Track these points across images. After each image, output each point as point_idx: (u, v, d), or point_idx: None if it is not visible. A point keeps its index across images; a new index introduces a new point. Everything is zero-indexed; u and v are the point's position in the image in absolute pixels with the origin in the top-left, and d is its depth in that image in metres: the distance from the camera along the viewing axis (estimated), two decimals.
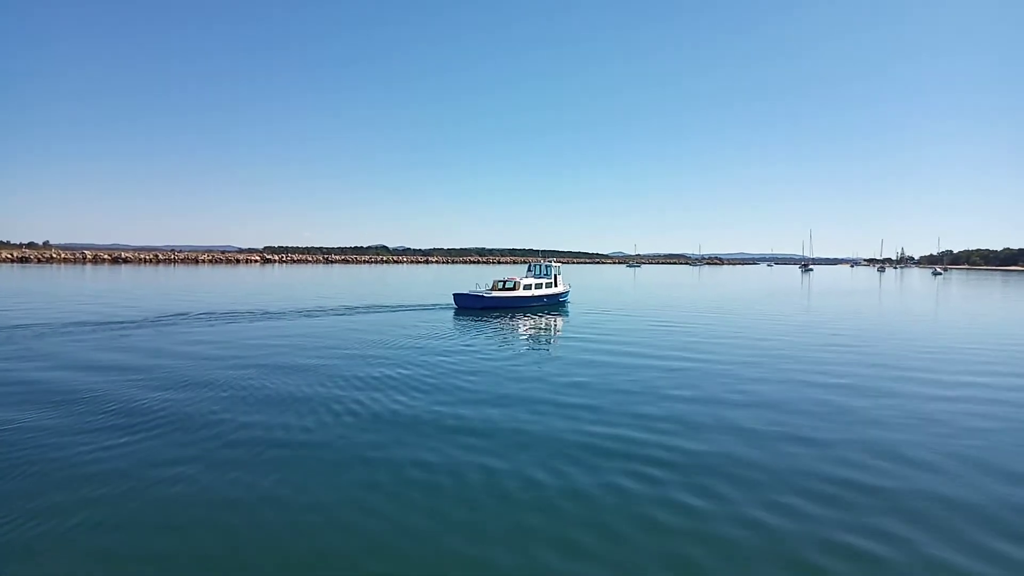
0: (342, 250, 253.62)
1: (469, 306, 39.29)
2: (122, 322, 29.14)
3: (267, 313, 34.13)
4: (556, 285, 44.89)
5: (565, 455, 10.61)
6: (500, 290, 40.98)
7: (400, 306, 40.89)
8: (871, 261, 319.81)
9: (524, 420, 12.89)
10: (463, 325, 30.90)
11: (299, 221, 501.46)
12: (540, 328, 30.50)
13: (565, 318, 35.78)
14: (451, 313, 36.74)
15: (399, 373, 17.89)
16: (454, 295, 40.69)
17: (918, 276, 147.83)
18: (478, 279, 65.61)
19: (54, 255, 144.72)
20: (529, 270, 46.41)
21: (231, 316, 32.31)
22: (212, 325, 28.59)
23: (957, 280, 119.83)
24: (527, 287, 41.83)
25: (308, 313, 34.99)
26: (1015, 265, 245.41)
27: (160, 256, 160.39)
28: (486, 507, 8.58)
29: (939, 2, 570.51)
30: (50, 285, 58.52)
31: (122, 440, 11.18)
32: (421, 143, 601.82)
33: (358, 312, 36.63)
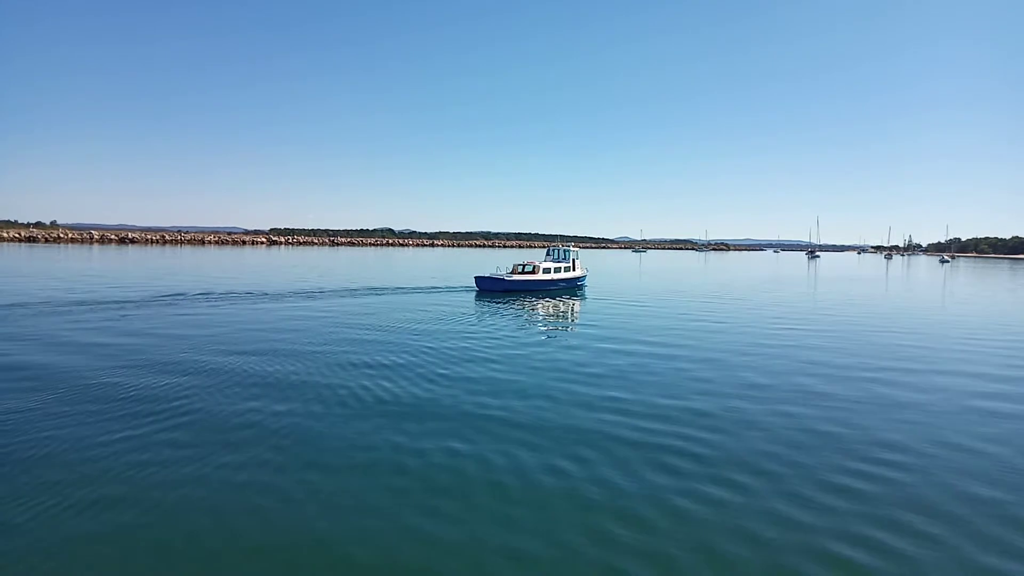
0: (348, 232, 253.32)
1: (490, 288, 40.36)
2: (121, 301, 29.33)
3: (283, 294, 34.18)
4: (574, 269, 45.79)
5: (591, 445, 10.74)
6: (520, 273, 41.93)
7: (422, 288, 41.89)
8: (878, 248, 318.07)
9: (548, 409, 12.99)
10: (485, 308, 31.31)
11: (305, 204, 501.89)
12: (560, 313, 30.75)
13: (582, 302, 36.32)
14: (472, 295, 37.69)
15: (423, 357, 18.10)
16: (476, 278, 41.59)
17: (925, 264, 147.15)
18: (486, 263, 65.56)
19: (61, 235, 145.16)
20: (548, 254, 47.08)
21: (248, 297, 32.33)
22: (224, 305, 28.55)
23: (964, 268, 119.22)
24: (546, 271, 42.83)
25: (326, 295, 35.36)
26: (1023, 253, 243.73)
27: (167, 237, 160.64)
28: (514, 495, 8.71)
29: None
30: (54, 265, 58.75)
31: (125, 428, 11.32)
32: (428, 127, 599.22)
33: (378, 293, 37.36)
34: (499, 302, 34.41)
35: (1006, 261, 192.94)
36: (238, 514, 7.97)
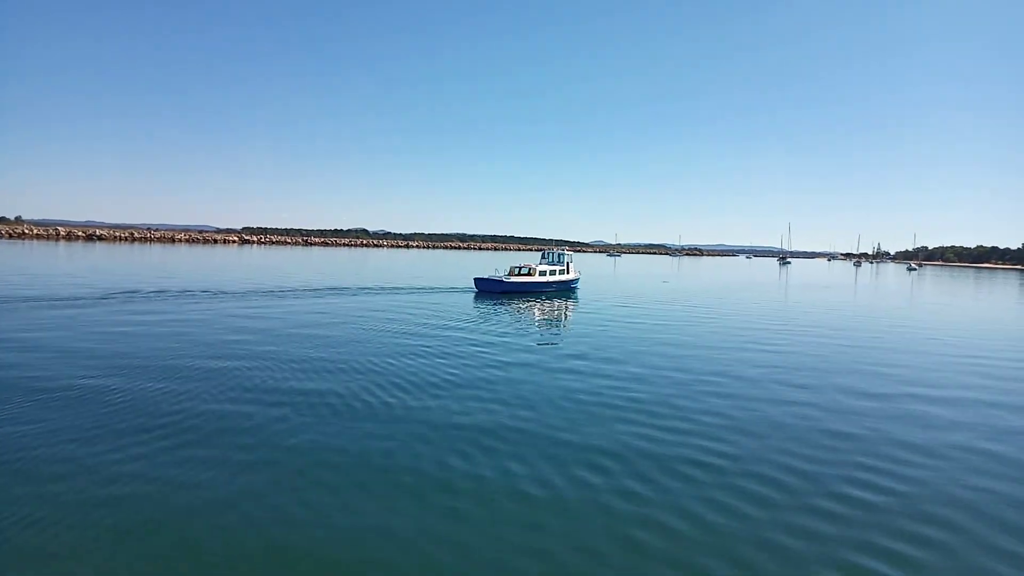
0: (322, 232, 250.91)
1: (489, 290, 42.02)
2: (72, 299, 28.81)
3: (284, 292, 33.56)
4: (568, 272, 47.47)
5: (606, 453, 10.74)
6: (517, 276, 43.61)
7: (426, 288, 43.50)
8: (847, 255, 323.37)
9: (557, 415, 12.97)
10: (486, 310, 32.15)
11: (278, 203, 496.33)
12: (558, 315, 31.54)
13: (577, 304, 37.69)
14: (471, 296, 39.09)
15: (428, 350, 18.15)
16: (475, 279, 43.45)
17: (893, 271, 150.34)
18: (463, 265, 65.06)
19: (26, 231, 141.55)
20: (543, 257, 48.75)
21: (241, 295, 31.54)
22: (190, 303, 27.82)
23: (931, 276, 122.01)
24: (542, 273, 44.65)
25: (337, 293, 35.99)
26: (987, 262, 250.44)
27: (136, 234, 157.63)
28: (544, 507, 8.67)
29: None
30: (15, 261, 57.10)
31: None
32: (403, 127, 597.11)
33: (380, 293, 38.50)
34: (498, 302, 35.68)
35: (971, 269, 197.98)
36: (233, 527, 7.73)
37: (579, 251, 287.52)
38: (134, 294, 31.97)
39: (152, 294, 32.32)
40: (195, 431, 11.04)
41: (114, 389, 13.53)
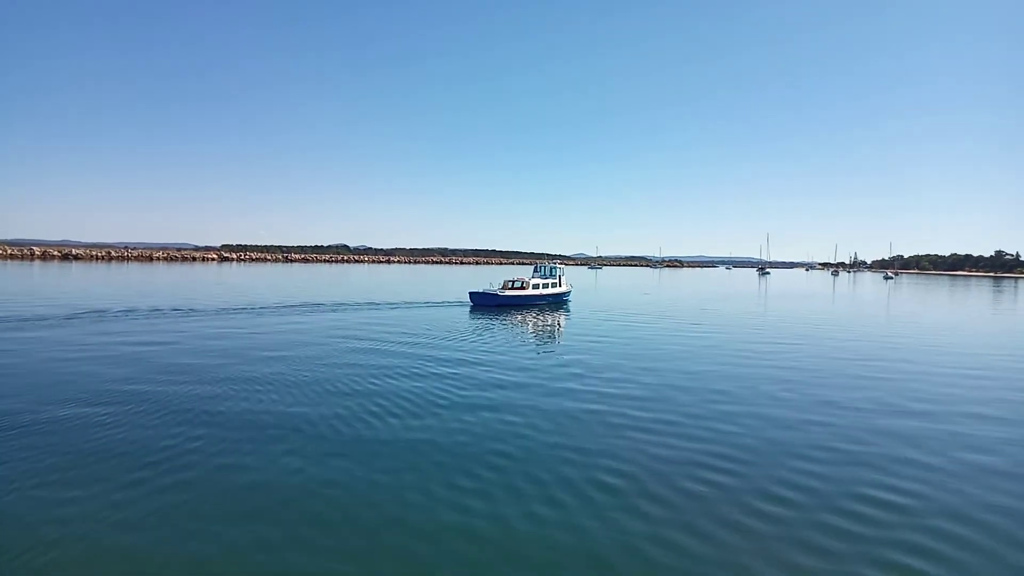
0: (302, 248, 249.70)
1: (484, 303, 43.02)
2: (44, 319, 28.65)
3: (271, 309, 33.02)
4: (560, 285, 48.94)
5: (611, 471, 10.77)
6: (511, 289, 44.96)
7: (417, 303, 44.10)
8: (825, 265, 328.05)
9: (562, 431, 12.97)
10: (483, 323, 32.65)
11: (257, 220, 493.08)
12: (554, 328, 31.97)
13: (569, 316, 38.57)
14: (467, 310, 39.87)
15: (430, 366, 18.05)
16: (470, 293, 44.58)
17: (870, 280, 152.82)
18: (449, 280, 64.79)
19: None
20: (536, 271, 50.39)
21: (234, 311, 31.12)
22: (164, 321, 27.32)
23: (907, 284, 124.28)
24: (535, 286, 46.04)
25: (331, 309, 35.68)
26: (961, 270, 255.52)
27: (113, 253, 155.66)
28: (556, 525, 8.66)
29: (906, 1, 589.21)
30: None
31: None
32: (382, 142, 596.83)
33: (375, 309, 39.08)
34: (493, 316, 36.46)
35: (945, 277, 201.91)
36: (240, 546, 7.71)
37: (562, 264, 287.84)
38: (103, 313, 31.56)
39: (121, 313, 31.92)
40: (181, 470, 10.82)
41: (62, 418, 13.19)
